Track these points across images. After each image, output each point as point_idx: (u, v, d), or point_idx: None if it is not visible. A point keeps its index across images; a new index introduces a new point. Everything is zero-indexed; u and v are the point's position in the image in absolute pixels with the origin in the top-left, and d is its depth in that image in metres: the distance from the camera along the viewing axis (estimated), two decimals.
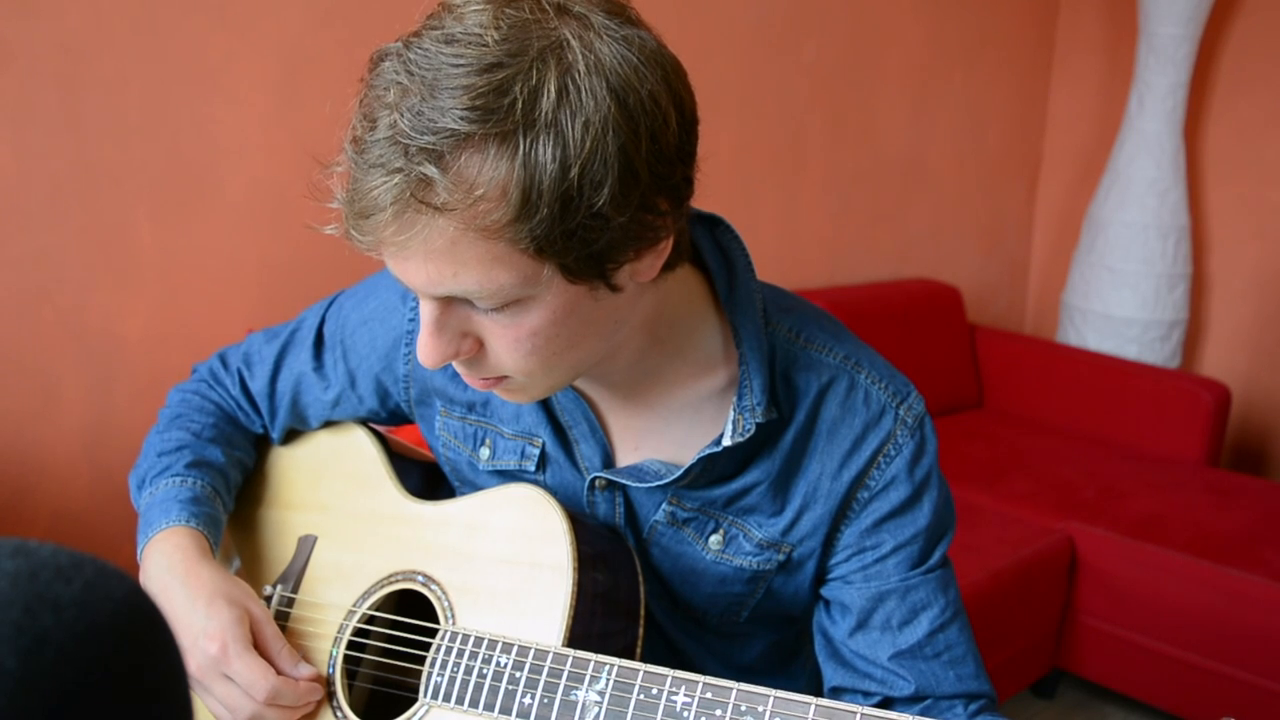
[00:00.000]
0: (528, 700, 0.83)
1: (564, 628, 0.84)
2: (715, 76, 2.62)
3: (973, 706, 0.90)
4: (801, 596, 0.95)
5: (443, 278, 0.72)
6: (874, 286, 3.06)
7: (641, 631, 0.89)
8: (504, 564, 0.89)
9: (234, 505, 1.08)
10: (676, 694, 0.78)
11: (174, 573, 0.93)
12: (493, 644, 0.86)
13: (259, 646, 0.90)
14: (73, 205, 1.74)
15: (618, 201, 0.70)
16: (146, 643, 0.44)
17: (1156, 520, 2.48)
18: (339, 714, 0.93)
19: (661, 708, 0.78)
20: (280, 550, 1.05)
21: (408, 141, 0.67)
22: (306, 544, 1.03)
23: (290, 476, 1.09)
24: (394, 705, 0.92)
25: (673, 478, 0.88)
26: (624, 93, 0.69)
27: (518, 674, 0.84)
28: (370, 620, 0.97)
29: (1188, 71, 3.07)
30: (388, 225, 0.70)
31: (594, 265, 0.73)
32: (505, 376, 0.81)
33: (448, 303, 0.75)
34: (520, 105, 0.67)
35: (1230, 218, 3.33)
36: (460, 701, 0.86)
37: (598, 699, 0.80)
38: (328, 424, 1.09)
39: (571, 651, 0.83)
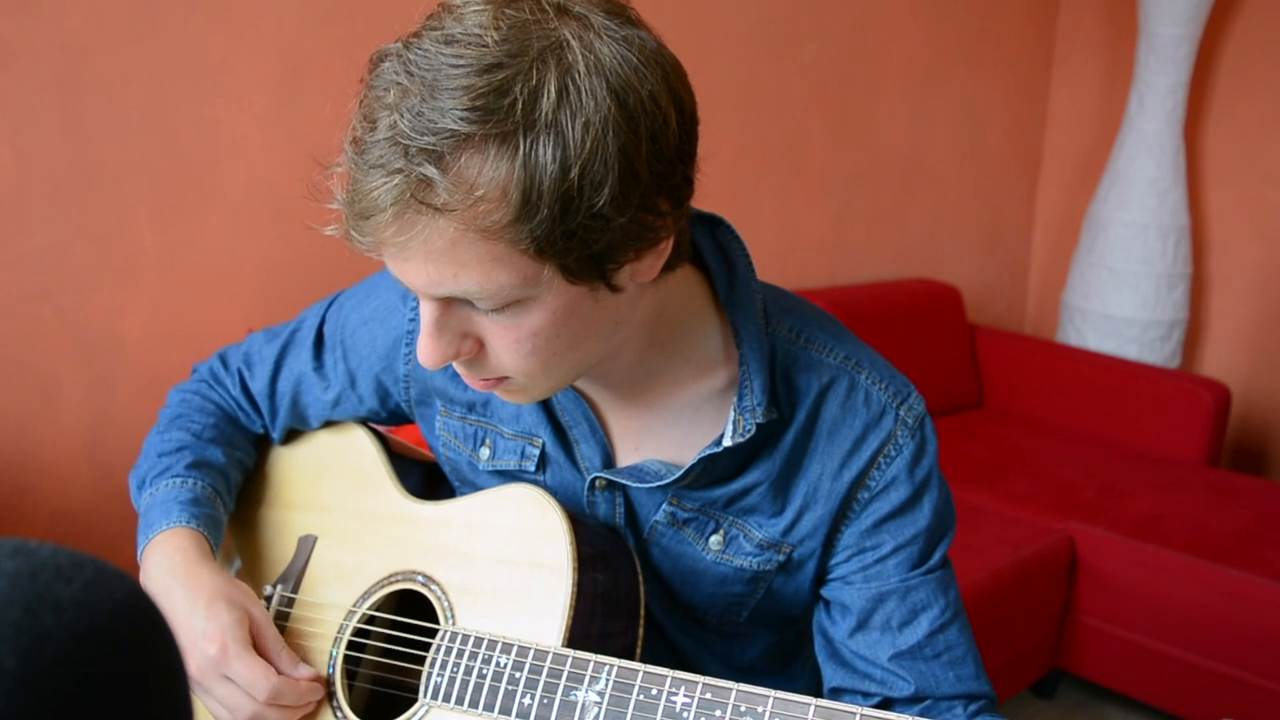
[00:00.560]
0: (527, 700, 0.83)
1: (564, 628, 0.84)
2: (715, 77, 2.62)
3: (973, 707, 0.90)
4: (801, 597, 0.95)
5: (443, 278, 0.72)
6: (874, 286, 3.06)
7: (641, 632, 0.89)
8: (504, 564, 0.89)
9: (235, 505, 1.08)
10: (676, 694, 0.78)
11: (174, 574, 0.93)
12: (492, 644, 0.86)
13: (259, 649, 0.90)
14: (73, 205, 1.74)
15: (618, 202, 0.70)
16: (146, 643, 0.44)
17: (1156, 520, 2.48)
18: (339, 714, 0.93)
19: (661, 708, 0.78)
20: (280, 550, 1.05)
21: (408, 142, 0.67)
22: (307, 544, 1.03)
23: (290, 476, 1.09)
24: (394, 705, 0.92)
25: (673, 478, 0.88)
26: (624, 93, 0.69)
27: (517, 674, 0.84)
28: (370, 620, 0.97)
29: (1188, 71, 3.06)
30: (388, 226, 0.70)
31: (594, 266, 0.73)
32: (505, 377, 0.81)
33: (448, 303, 0.75)
34: (520, 106, 0.67)
35: (1230, 218, 3.32)
36: (460, 702, 0.86)
37: (597, 699, 0.80)
38: (328, 424, 1.09)
39: (571, 652, 0.83)
